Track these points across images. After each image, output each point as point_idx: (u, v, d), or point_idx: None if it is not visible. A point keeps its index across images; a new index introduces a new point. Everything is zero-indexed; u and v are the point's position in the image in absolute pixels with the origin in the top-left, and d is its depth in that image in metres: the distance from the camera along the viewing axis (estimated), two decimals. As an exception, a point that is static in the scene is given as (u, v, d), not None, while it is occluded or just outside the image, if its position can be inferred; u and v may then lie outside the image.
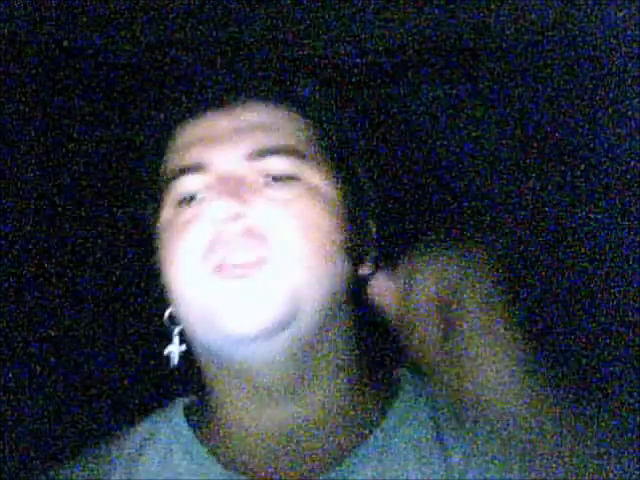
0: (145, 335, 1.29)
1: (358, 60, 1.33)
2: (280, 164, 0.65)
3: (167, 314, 0.70)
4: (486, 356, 0.58)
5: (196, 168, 0.66)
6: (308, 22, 1.20)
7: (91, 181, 1.30)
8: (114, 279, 1.30)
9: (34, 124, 1.22)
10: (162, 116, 0.71)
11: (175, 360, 0.71)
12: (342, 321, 0.67)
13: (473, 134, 1.43)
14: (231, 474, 0.65)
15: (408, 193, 1.35)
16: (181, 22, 1.16)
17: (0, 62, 1.13)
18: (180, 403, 0.75)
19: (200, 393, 0.74)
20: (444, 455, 0.65)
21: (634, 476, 0.58)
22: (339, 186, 0.68)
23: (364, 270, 0.70)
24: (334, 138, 0.71)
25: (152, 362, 1.27)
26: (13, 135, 1.18)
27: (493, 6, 1.16)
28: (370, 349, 0.72)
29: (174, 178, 0.66)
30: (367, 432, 0.66)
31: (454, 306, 0.60)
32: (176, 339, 0.71)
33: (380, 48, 1.31)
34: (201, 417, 0.73)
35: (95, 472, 0.72)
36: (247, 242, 0.62)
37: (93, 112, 1.29)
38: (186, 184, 0.66)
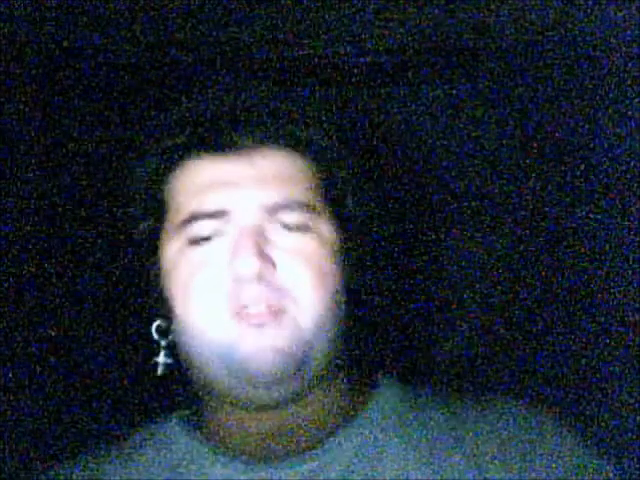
0: (145, 335, 1.29)
1: (358, 60, 1.33)
2: (295, 217, 0.68)
3: (155, 326, 0.73)
4: None
5: (217, 214, 0.67)
6: (308, 22, 1.20)
7: (91, 181, 1.30)
8: (114, 279, 1.30)
9: (34, 124, 1.22)
10: (168, 149, 0.72)
11: (160, 371, 0.75)
12: (340, 349, 0.71)
13: (473, 134, 1.43)
14: (226, 460, 0.68)
15: (408, 193, 1.35)
16: (181, 22, 1.16)
17: (0, 62, 1.13)
18: (178, 411, 0.77)
19: (195, 400, 0.76)
20: (428, 450, 0.68)
21: (634, 476, 0.59)
22: (340, 232, 0.71)
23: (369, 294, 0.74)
24: (339, 183, 0.73)
25: (152, 362, 1.27)
26: (13, 135, 1.18)
27: (493, 6, 1.16)
28: (356, 353, 0.75)
29: (193, 220, 0.68)
30: (347, 422, 0.70)
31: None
32: (162, 352, 0.75)
33: (380, 48, 1.31)
34: (197, 416, 0.75)
35: (95, 472, 0.72)
36: (267, 295, 0.65)
37: (93, 112, 1.30)
38: (204, 227, 0.68)
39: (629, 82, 1.08)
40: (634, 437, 0.63)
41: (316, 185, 0.72)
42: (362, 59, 1.33)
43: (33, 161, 1.21)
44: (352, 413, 0.72)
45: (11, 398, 1.12)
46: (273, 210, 0.68)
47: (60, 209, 1.25)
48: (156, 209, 0.74)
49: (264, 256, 0.66)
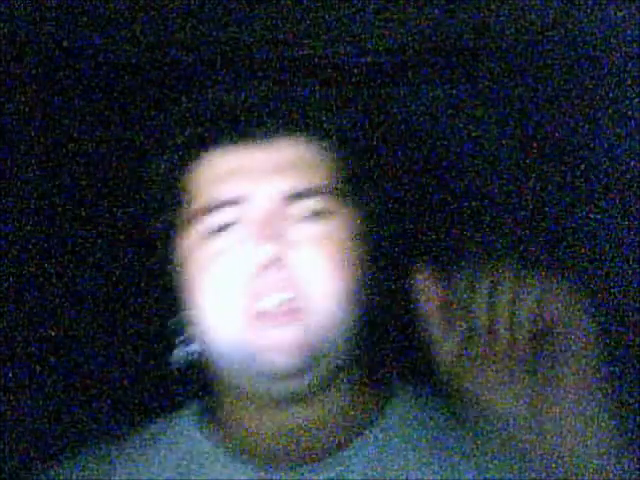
0: (145, 335, 1.29)
1: (358, 60, 1.33)
2: (316, 203, 0.68)
3: (171, 322, 0.73)
4: (582, 416, 0.59)
5: (236, 201, 0.67)
6: (308, 22, 1.20)
7: (91, 181, 1.30)
8: (114, 279, 1.30)
9: (34, 124, 1.22)
10: (187, 142, 0.72)
11: (178, 365, 0.75)
12: (358, 343, 0.71)
13: (473, 134, 1.43)
14: (236, 464, 0.68)
15: (408, 193, 1.35)
16: (181, 22, 1.16)
17: (0, 62, 1.13)
18: (186, 409, 0.77)
19: (205, 396, 0.75)
20: (443, 455, 0.67)
21: (634, 476, 0.59)
22: (360, 215, 0.71)
23: (385, 281, 0.74)
24: (360, 170, 0.73)
25: (152, 362, 1.27)
26: (13, 135, 1.18)
27: (493, 6, 1.16)
28: (369, 352, 0.74)
29: (212, 209, 0.68)
30: (366, 428, 0.70)
31: (557, 339, 0.60)
32: (180, 347, 0.75)
33: (380, 48, 1.31)
34: (206, 414, 0.75)
35: (95, 472, 0.72)
36: (286, 286, 0.65)
37: (93, 112, 1.30)
38: (223, 216, 0.68)
39: (629, 82, 1.08)
40: (634, 437, 0.63)
41: (338, 172, 0.71)
42: (362, 59, 1.33)
43: (33, 161, 1.21)
44: (369, 419, 0.71)
45: (11, 398, 1.12)
46: (291, 197, 0.68)
47: (60, 209, 1.25)
48: (175, 202, 0.73)
49: (281, 242, 0.65)
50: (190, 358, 0.76)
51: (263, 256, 0.64)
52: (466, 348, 0.62)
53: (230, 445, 0.70)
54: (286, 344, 0.64)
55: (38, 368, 1.18)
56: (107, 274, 1.29)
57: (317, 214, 0.68)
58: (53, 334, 1.21)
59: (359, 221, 0.71)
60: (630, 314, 1.08)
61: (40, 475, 0.75)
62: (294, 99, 0.71)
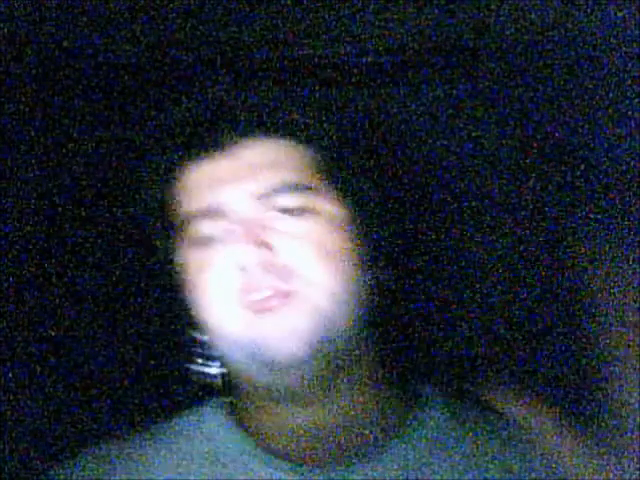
0: (145, 335, 1.29)
1: (358, 60, 1.33)
2: (291, 199, 0.69)
3: (201, 338, 0.76)
4: None
5: (210, 213, 0.69)
6: (308, 22, 1.20)
7: (91, 181, 1.30)
8: (114, 279, 1.30)
9: (34, 124, 1.22)
10: (163, 160, 0.73)
11: (215, 378, 0.79)
12: (368, 335, 0.71)
13: (473, 134, 1.43)
14: (271, 461, 0.70)
15: (408, 193, 1.35)
16: (181, 22, 1.16)
17: (0, 62, 1.13)
18: (220, 401, 0.78)
19: (234, 397, 0.76)
20: (473, 462, 0.68)
21: (634, 476, 0.59)
22: (346, 208, 0.71)
23: (383, 278, 0.74)
24: (336, 162, 0.73)
25: (152, 362, 1.27)
26: (13, 135, 1.17)
27: (493, 6, 1.16)
28: (395, 362, 0.74)
29: (189, 221, 0.69)
30: (399, 431, 0.71)
31: None
32: (216, 364, 0.78)
33: (380, 48, 1.31)
34: (233, 411, 0.77)
35: (95, 472, 0.72)
36: (276, 281, 0.66)
37: (93, 112, 1.29)
38: (203, 228, 0.70)
39: (629, 82, 1.08)
40: (634, 437, 0.63)
41: (314, 167, 0.72)
42: (362, 59, 1.33)
43: (33, 161, 1.21)
44: (401, 423, 0.72)
45: (11, 398, 1.12)
46: (266, 197, 0.69)
47: (60, 209, 1.25)
48: (165, 220, 0.75)
49: (262, 243, 0.67)
50: (209, 380, 0.79)
51: (246, 260, 0.65)
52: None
53: (262, 442, 0.71)
54: (278, 332, 0.65)
55: (38, 368, 1.18)
56: (107, 274, 1.29)
57: (295, 210, 0.68)
58: (53, 334, 1.21)
59: (344, 214, 0.71)
60: (630, 314, 1.08)
61: (40, 475, 0.75)
62: (258, 102, 0.72)
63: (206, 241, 0.69)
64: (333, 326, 0.67)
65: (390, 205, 0.79)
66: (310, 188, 0.69)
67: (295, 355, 0.65)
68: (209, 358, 0.80)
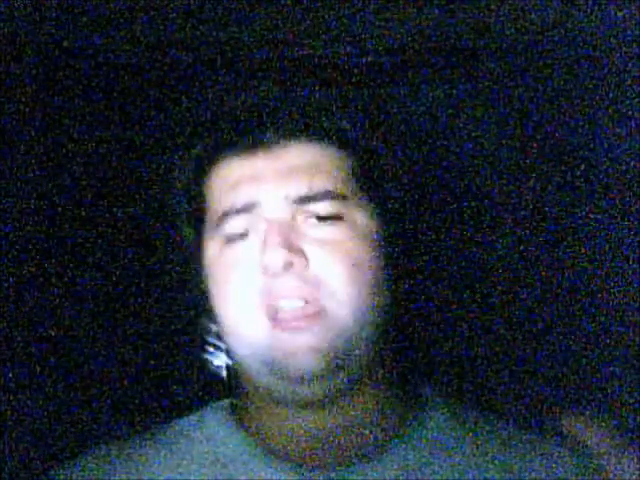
0: (145, 335, 1.29)
1: (358, 60, 1.33)
2: (326, 207, 0.68)
3: (213, 330, 0.74)
4: None
5: (245, 210, 0.67)
6: (308, 22, 1.20)
7: (91, 181, 1.30)
8: (115, 280, 1.30)
9: (34, 124, 1.22)
10: (201, 153, 0.72)
11: (222, 372, 0.77)
12: (382, 346, 0.71)
13: (473, 134, 1.43)
14: (276, 464, 0.69)
15: (408, 193, 1.35)
16: (181, 22, 1.16)
17: (0, 62, 1.13)
18: (222, 403, 0.77)
19: (235, 397, 0.76)
20: (475, 467, 0.68)
21: (634, 476, 0.59)
22: (377, 219, 0.71)
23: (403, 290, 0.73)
24: (372, 171, 0.73)
25: (152, 362, 1.27)
26: (13, 135, 1.18)
27: (493, 6, 1.16)
28: (395, 362, 0.74)
29: (225, 218, 0.68)
30: (401, 433, 0.71)
31: None
32: (223, 354, 0.76)
33: (380, 48, 1.31)
34: (238, 413, 0.76)
35: (95, 472, 0.72)
36: (301, 292, 0.65)
37: (93, 112, 1.30)
38: (236, 224, 0.68)
39: (629, 82, 1.08)
40: (634, 437, 0.63)
41: (349, 174, 0.71)
42: (362, 59, 1.33)
43: (33, 161, 1.21)
44: (403, 425, 0.72)
45: (11, 398, 1.12)
46: (302, 201, 0.68)
47: (60, 209, 1.25)
48: (196, 213, 0.74)
49: (292, 247, 0.65)
50: (216, 370, 0.78)
51: (274, 263, 0.64)
52: None
53: (262, 442, 0.71)
54: (303, 350, 0.64)
55: (38, 368, 1.18)
56: (107, 274, 1.29)
57: (329, 218, 0.67)
58: (53, 334, 1.21)
59: (374, 225, 0.70)
60: (630, 314, 1.08)
61: (40, 475, 0.75)
62: (301, 103, 0.71)
63: (237, 238, 0.68)
64: (357, 342, 0.66)
65: (416, 214, 0.78)
66: (345, 197, 0.69)
67: (315, 371, 0.64)
68: (216, 348, 0.78)
